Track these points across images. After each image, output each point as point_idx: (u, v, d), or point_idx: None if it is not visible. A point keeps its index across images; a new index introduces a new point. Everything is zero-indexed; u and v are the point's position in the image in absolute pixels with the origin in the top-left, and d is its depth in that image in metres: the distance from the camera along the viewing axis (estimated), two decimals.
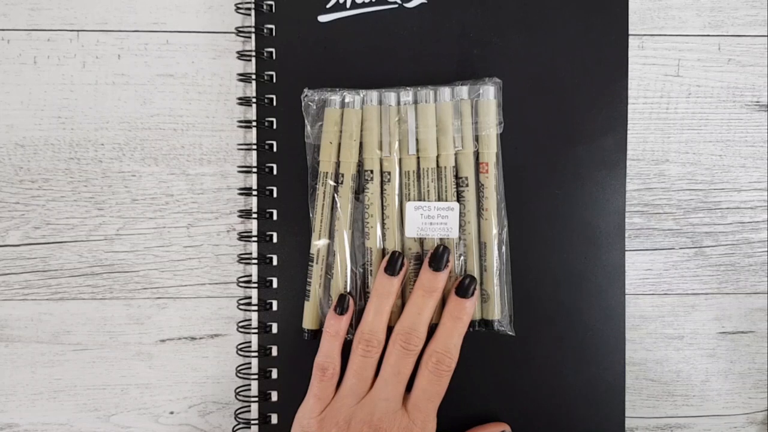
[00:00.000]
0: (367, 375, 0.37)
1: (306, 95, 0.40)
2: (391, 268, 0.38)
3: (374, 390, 0.37)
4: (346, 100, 0.39)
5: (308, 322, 0.40)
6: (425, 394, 0.37)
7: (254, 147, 0.41)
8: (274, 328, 0.41)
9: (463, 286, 0.38)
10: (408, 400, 0.37)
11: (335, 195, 0.39)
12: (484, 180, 0.40)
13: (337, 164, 0.39)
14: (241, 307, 0.41)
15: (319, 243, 0.39)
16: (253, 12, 0.41)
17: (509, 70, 0.41)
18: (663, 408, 0.44)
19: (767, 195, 0.43)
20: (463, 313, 0.38)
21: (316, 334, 0.40)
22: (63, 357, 0.42)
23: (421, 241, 0.40)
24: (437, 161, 0.39)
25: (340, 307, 0.38)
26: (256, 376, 0.41)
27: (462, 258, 0.40)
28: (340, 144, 0.39)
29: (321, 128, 0.40)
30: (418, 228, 0.39)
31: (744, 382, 0.44)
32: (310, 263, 0.40)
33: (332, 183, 0.39)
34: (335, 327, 0.38)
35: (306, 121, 0.40)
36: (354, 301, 0.39)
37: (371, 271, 0.39)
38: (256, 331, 0.41)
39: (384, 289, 0.38)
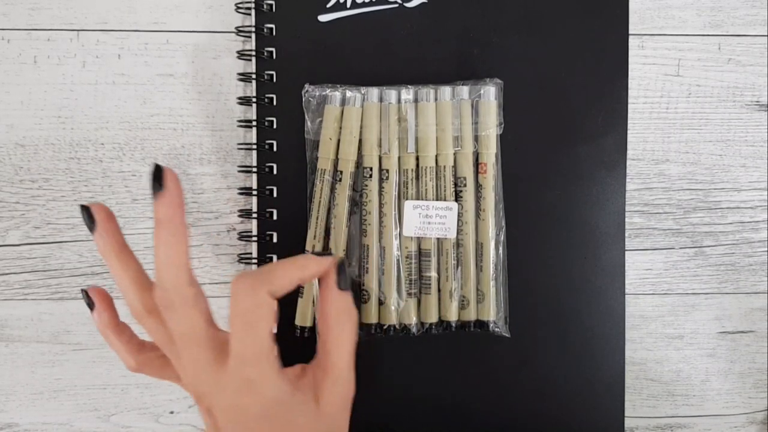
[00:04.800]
0: (164, 343, 0.32)
1: (307, 91, 0.40)
2: (88, 223, 0.32)
3: (181, 357, 0.32)
4: (347, 97, 0.39)
5: (301, 319, 0.40)
6: (180, 337, 0.31)
7: (254, 147, 0.41)
8: (273, 328, 0.41)
9: (152, 176, 0.29)
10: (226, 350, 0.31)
11: (333, 192, 0.40)
12: (483, 181, 0.40)
13: (336, 161, 0.40)
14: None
15: (314, 240, 0.39)
16: (253, 12, 0.41)
17: (509, 70, 0.41)
18: (663, 408, 0.44)
19: (767, 195, 0.43)
20: (160, 212, 0.29)
21: (309, 331, 0.40)
22: (63, 357, 0.42)
23: (418, 241, 0.40)
24: (436, 160, 0.39)
25: (88, 302, 0.34)
26: None
27: (458, 258, 0.40)
28: (339, 140, 0.39)
29: (321, 124, 0.40)
30: (416, 227, 0.39)
31: (744, 382, 0.44)
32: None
33: (330, 179, 0.39)
34: (98, 323, 0.34)
35: (306, 117, 0.40)
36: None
37: (367, 268, 0.39)
38: None
39: (100, 246, 0.32)
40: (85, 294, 0.34)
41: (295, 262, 0.32)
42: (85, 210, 0.32)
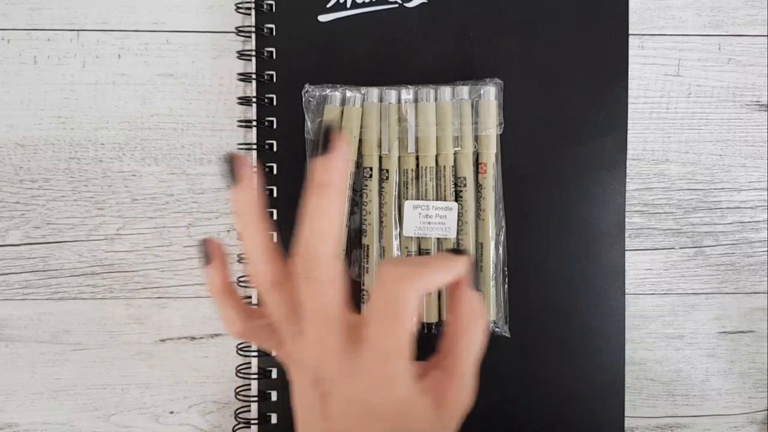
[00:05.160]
0: (283, 316, 0.29)
1: (307, 91, 0.40)
2: (229, 177, 0.29)
3: (305, 332, 0.29)
4: (347, 97, 0.39)
5: None
6: (313, 314, 0.28)
7: (254, 147, 0.41)
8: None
9: (323, 141, 0.27)
10: (359, 334, 0.28)
11: None
12: (483, 181, 0.40)
13: None
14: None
15: None
16: (253, 12, 0.41)
17: (509, 70, 0.41)
18: (663, 408, 0.44)
19: (767, 195, 0.43)
20: (323, 175, 0.27)
21: None
22: (63, 357, 0.42)
23: (419, 241, 0.40)
24: (436, 160, 0.39)
25: (204, 256, 0.31)
26: (256, 376, 0.41)
27: None
28: None
29: (321, 124, 0.40)
30: (416, 227, 0.39)
31: (744, 382, 0.44)
32: None
33: None
34: (209, 281, 0.31)
35: (306, 117, 0.40)
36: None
37: (367, 268, 0.39)
38: None
39: (236, 207, 0.29)
40: (204, 246, 0.31)
41: (442, 262, 0.29)
42: (230, 162, 0.28)
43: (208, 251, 0.31)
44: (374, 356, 0.27)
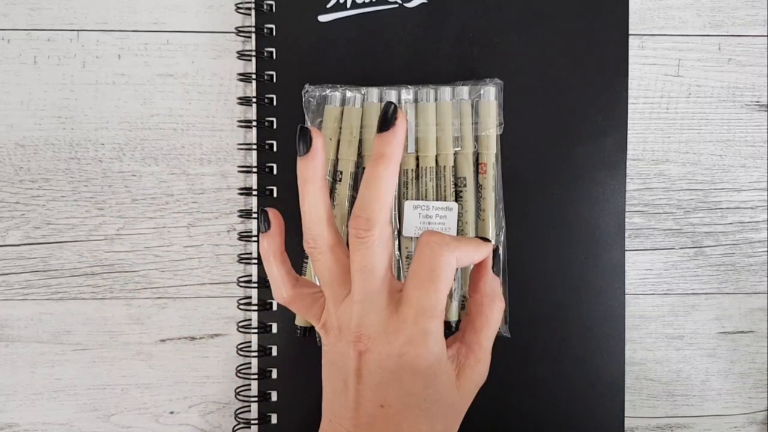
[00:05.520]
0: (329, 280, 0.32)
1: (307, 91, 0.40)
2: (302, 147, 0.31)
3: (351, 293, 0.31)
4: (347, 97, 0.39)
5: (301, 320, 0.40)
6: (362, 274, 0.31)
7: (254, 147, 0.41)
8: (274, 328, 0.41)
9: (383, 116, 0.31)
10: (398, 297, 0.31)
11: (333, 192, 0.40)
12: (483, 181, 0.40)
13: (336, 161, 0.40)
14: (241, 306, 0.41)
15: None
16: (253, 12, 0.41)
17: (509, 70, 0.41)
18: (663, 408, 0.44)
19: (767, 195, 0.43)
20: (385, 148, 0.31)
21: (309, 332, 0.40)
22: (63, 357, 0.42)
23: None
24: (436, 160, 0.39)
25: (263, 223, 0.33)
26: (256, 376, 0.41)
27: None
28: (339, 140, 0.39)
29: (321, 124, 0.40)
30: (416, 227, 0.39)
31: (744, 382, 0.44)
32: (305, 260, 0.40)
33: (330, 179, 0.39)
34: (264, 248, 0.33)
35: (306, 117, 0.40)
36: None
37: None
38: (256, 330, 0.41)
39: (302, 174, 0.31)
40: (264, 215, 0.33)
41: (473, 241, 0.33)
42: (303, 134, 0.31)
43: (269, 218, 0.33)
44: (413, 313, 0.30)
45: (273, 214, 0.33)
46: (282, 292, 0.33)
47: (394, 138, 0.31)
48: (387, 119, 0.31)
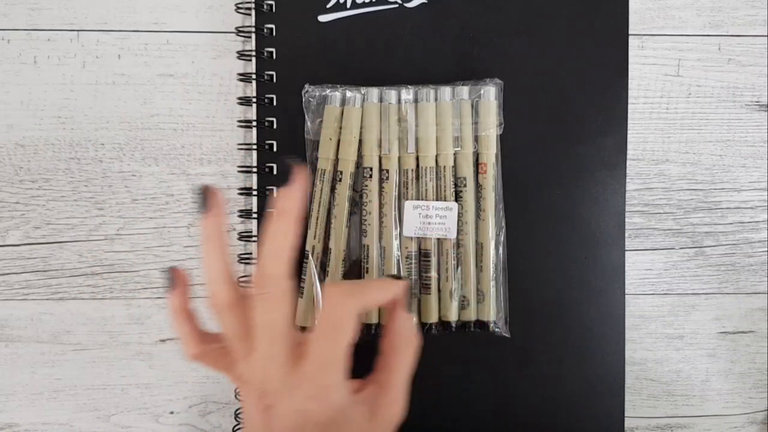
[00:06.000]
0: (235, 335, 0.32)
1: (307, 91, 0.40)
2: (202, 206, 0.32)
3: (255, 349, 0.31)
4: (347, 97, 0.39)
5: (301, 319, 0.40)
6: (263, 330, 0.31)
7: (254, 147, 0.41)
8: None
9: (283, 171, 0.31)
10: (300, 351, 0.31)
11: (333, 192, 0.40)
12: (483, 181, 0.40)
13: (336, 161, 0.40)
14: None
15: (314, 240, 0.39)
16: (253, 12, 0.41)
17: (509, 70, 0.41)
18: (663, 408, 0.44)
19: (767, 195, 0.43)
20: (282, 203, 0.31)
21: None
22: (63, 357, 0.42)
23: (419, 241, 0.40)
24: (436, 160, 0.39)
25: (169, 282, 0.34)
26: None
27: (458, 258, 0.40)
28: (339, 141, 0.39)
29: (321, 124, 0.40)
30: (416, 227, 0.39)
31: (744, 382, 0.44)
32: (305, 260, 0.40)
33: (330, 180, 0.39)
34: (173, 305, 0.34)
35: (306, 117, 0.40)
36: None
37: (367, 269, 0.39)
38: None
39: (204, 234, 0.32)
40: (169, 273, 0.34)
41: (381, 283, 0.33)
42: (204, 192, 0.32)
43: (173, 278, 0.34)
44: (313, 367, 0.30)
45: (177, 273, 0.34)
46: (189, 348, 0.34)
47: (295, 193, 0.31)
48: (287, 175, 0.31)
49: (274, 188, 0.41)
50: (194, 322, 0.34)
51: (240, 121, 0.41)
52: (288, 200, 0.31)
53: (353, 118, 0.39)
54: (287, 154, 0.31)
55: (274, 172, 0.41)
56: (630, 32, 0.42)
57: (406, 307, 0.33)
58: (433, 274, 0.40)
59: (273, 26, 0.41)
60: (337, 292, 0.31)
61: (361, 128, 0.39)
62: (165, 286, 0.34)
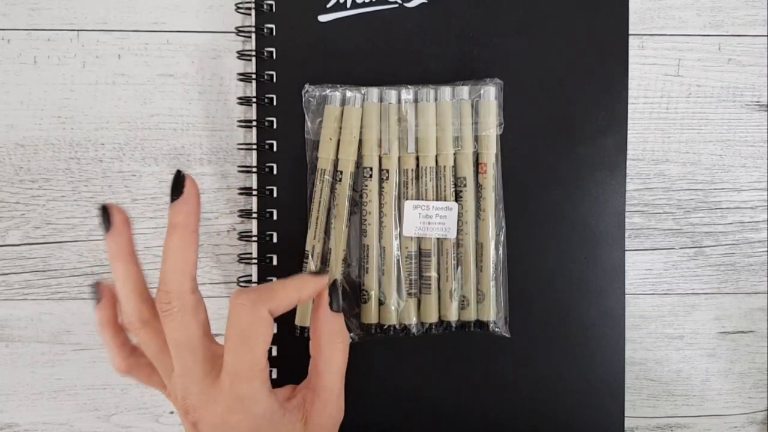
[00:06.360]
0: (155, 354, 0.32)
1: (307, 91, 0.40)
2: (104, 225, 0.31)
3: (174, 367, 0.31)
4: (347, 97, 0.39)
5: (300, 319, 0.40)
6: (176, 347, 0.31)
7: (254, 147, 0.41)
8: (274, 328, 0.41)
9: (172, 185, 0.31)
10: (219, 363, 0.31)
11: (333, 192, 0.40)
12: (483, 181, 0.40)
13: (336, 161, 0.40)
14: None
15: (314, 240, 0.39)
16: (253, 12, 0.41)
17: (509, 70, 0.41)
18: (663, 408, 0.44)
19: (767, 195, 0.43)
20: (176, 217, 0.31)
21: (308, 331, 0.40)
22: (63, 357, 0.42)
23: (419, 241, 0.40)
24: (436, 160, 0.39)
25: (95, 295, 0.34)
26: None
27: (458, 258, 0.40)
28: (339, 141, 0.39)
29: (321, 124, 0.40)
30: (416, 227, 0.39)
31: (744, 382, 0.44)
32: (305, 260, 0.40)
33: (330, 179, 0.39)
34: (99, 318, 0.33)
35: (306, 117, 0.40)
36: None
37: (367, 268, 0.39)
38: None
39: (110, 253, 0.31)
40: (96, 287, 0.33)
41: (293, 281, 0.32)
42: (104, 210, 0.31)
43: (99, 291, 0.33)
44: (229, 379, 0.30)
45: (103, 286, 0.33)
46: (118, 363, 0.33)
47: (185, 206, 0.30)
48: (176, 187, 0.30)
49: (275, 188, 0.41)
50: (123, 335, 0.34)
51: (240, 121, 0.41)
52: (181, 214, 0.30)
53: (353, 118, 0.39)
54: (179, 169, 0.31)
55: (274, 171, 0.41)
56: (630, 32, 0.42)
57: (331, 305, 0.32)
58: (433, 274, 0.40)
59: (273, 26, 0.41)
60: (242, 302, 0.30)
61: (361, 128, 0.39)
62: (92, 299, 0.34)
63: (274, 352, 0.41)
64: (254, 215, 0.41)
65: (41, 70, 0.42)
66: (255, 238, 0.41)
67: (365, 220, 0.39)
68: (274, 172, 0.41)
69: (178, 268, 0.30)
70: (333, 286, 0.33)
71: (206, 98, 0.42)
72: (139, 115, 0.42)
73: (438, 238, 0.39)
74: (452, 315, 0.40)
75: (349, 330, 0.40)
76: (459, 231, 0.39)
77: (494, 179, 0.40)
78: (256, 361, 0.30)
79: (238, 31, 0.41)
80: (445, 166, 0.39)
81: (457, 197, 0.40)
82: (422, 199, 0.39)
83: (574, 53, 0.41)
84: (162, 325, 0.31)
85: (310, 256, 0.39)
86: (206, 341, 0.31)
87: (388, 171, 0.39)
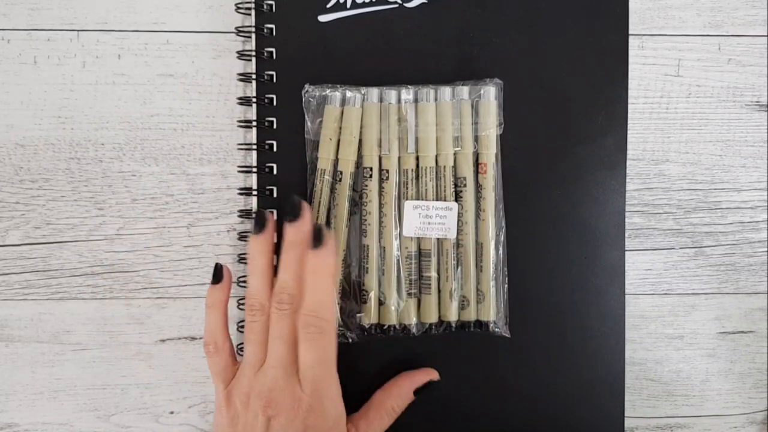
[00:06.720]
0: (258, 341, 0.36)
1: (307, 91, 0.40)
2: (258, 227, 0.37)
3: (266, 359, 0.35)
4: (347, 97, 0.39)
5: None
6: (305, 360, 0.35)
7: (254, 147, 0.41)
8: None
9: (313, 236, 0.35)
10: (297, 368, 0.35)
11: (333, 192, 0.40)
12: (483, 181, 0.40)
13: (336, 161, 0.40)
14: (240, 307, 0.41)
15: None
16: (253, 12, 0.41)
17: (509, 71, 0.41)
18: (663, 408, 0.44)
19: (767, 195, 0.43)
20: (317, 266, 0.35)
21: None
22: (63, 357, 0.42)
23: (419, 241, 0.40)
24: (436, 160, 0.39)
25: (215, 277, 0.38)
26: None
27: (458, 258, 0.40)
28: (339, 141, 0.39)
29: (321, 124, 0.40)
30: (416, 227, 0.39)
31: (744, 382, 0.44)
32: None
33: (330, 180, 0.39)
34: (211, 298, 0.37)
35: (306, 117, 0.40)
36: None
37: (367, 268, 0.39)
38: None
39: (255, 248, 0.36)
40: (219, 268, 0.38)
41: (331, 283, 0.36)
42: (259, 214, 0.37)
43: (221, 273, 0.38)
44: (310, 379, 0.34)
45: (225, 269, 0.38)
46: (216, 338, 0.37)
47: (303, 227, 0.35)
48: (293, 210, 0.35)
49: (275, 188, 0.41)
50: (225, 319, 0.38)
51: (240, 121, 0.41)
52: (299, 234, 0.35)
53: (353, 118, 0.39)
54: (294, 194, 0.36)
55: (274, 171, 0.41)
56: (630, 32, 0.42)
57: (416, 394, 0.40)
58: (433, 274, 0.40)
59: (273, 26, 0.41)
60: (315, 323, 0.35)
61: (361, 128, 0.39)
62: (213, 278, 0.37)
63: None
64: (254, 215, 0.41)
65: (41, 70, 0.42)
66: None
67: (365, 220, 0.39)
68: (274, 172, 0.41)
69: (295, 278, 0.35)
70: (430, 383, 0.40)
71: (206, 98, 0.42)
72: (139, 115, 0.42)
73: (438, 238, 0.39)
74: (452, 315, 0.40)
75: (349, 330, 0.40)
76: (459, 231, 0.39)
77: (494, 179, 0.40)
78: (334, 365, 0.35)
79: (238, 31, 0.41)
80: (445, 166, 0.39)
81: (457, 197, 0.40)
82: (422, 199, 0.39)
83: (574, 53, 0.41)
84: (272, 321, 0.35)
85: None
86: (297, 346, 0.35)
87: (388, 171, 0.39)
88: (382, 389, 0.39)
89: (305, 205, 0.35)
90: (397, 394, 0.39)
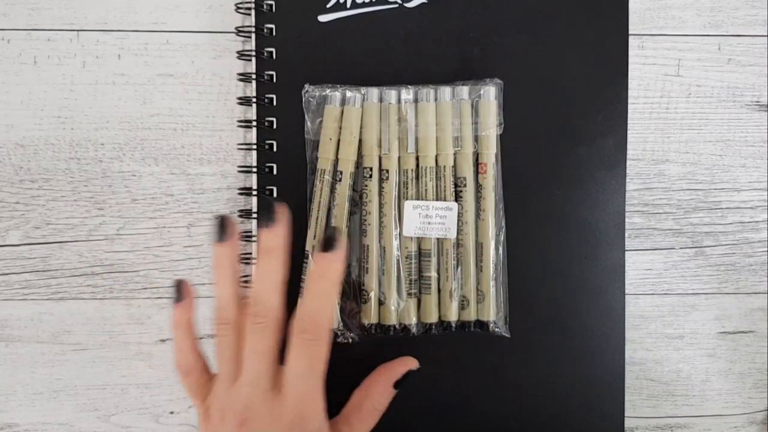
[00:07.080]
0: (230, 357, 0.33)
1: (307, 91, 0.40)
2: (220, 234, 0.34)
3: (242, 375, 0.33)
4: (347, 97, 0.39)
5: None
6: (294, 370, 0.32)
7: (254, 147, 0.41)
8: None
9: (326, 240, 0.33)
10: (280, 380, 0.33)
11: (333, 192, 0.40)
12: (483, 181, 0.40)
13: (336, 161, 0.40)
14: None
15: (314, 240, 0.39)
16: (253, 12, 0.41)
17: (509, 70, 0.41)
18: (663, 408, 0.44)
19: (767, 195, 0.43)
20: (326, 269, 0.33)
21: None
22: (63, 357, 0.42)
23: (419, 241, 0.40)
24: (436, 160, 0.39)
25: (177, 295, 0.35)
26: None
27: (458, 258, 0.40)
28: (339, 141, 0.39)
29: (321, 124, 0.40)
30: (416, 227, 0.39)
31: (744, 382, 0.44)
32: (305, 260, 0.40)
33: (330, 180, 0.39)
34: (176, 317, 0.35)
35: (306, 117, 0.40)
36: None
37: (367, 268, 0.39)
38: None
39: (219, 257, 0.34)
40: (179, 286, 0.35)
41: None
42: (222, 221, 0.34)
43: (182, 291, 0.35)
44: (294, 397, 0.32)
45: (186, 286, 0.35)
46: (182, 361, 0.35)
47: (279, 231, 0.33)
48: (268, 213, 0.33)
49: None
50: (193, 338, 0.36)
51: (240, 121, 0.41)
52: (275, 239, 0.33)
53: (353, 118, 0.39)
54: (269, 196, 0.35)
55: (274, 171, 0.41)
56: (630, 32, 0.42)
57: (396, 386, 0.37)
58: (433, 274, 0.40)
59: (273, 26, 0.41)
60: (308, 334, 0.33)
61: (361, 128, 0.39)
62: (172, 298, 0.35)
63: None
64: (254, 215, 0.41)
65: (41, 70, 0.42)
66: (255, 239, 0.41)
67: (365, 220, 0.39)
68: (274, 172, 0.41)
69: (272, 288, 0.33)
70: (411, 372, 0.37)
71: (206, 98, 0.42)
72: (139, 115, 0.42)
73: (438, 238, 0.39)
74: (452, 315, 0.40)
75: (349, 330, 0.40)
76: (459, 231, 0.39)
77: (494, 179, 0.40)
78: (321, 380, 0.33)
79: (238, 31, 0.41)
80: (445, 166, 0.39)
81: (457, 197, 0.40)
82: (422, 199, 0.39)
83: (574, 53, 0.41)
84: (246, 333, 0.33)
85: (310, 257, 0.39)
86: (277, 358, 0.33)
87: (388, 171, 0.39)
88: (360, 388, 0.37)
89: (282, 208, 0.33)
90: (376, 392, 0.36)
